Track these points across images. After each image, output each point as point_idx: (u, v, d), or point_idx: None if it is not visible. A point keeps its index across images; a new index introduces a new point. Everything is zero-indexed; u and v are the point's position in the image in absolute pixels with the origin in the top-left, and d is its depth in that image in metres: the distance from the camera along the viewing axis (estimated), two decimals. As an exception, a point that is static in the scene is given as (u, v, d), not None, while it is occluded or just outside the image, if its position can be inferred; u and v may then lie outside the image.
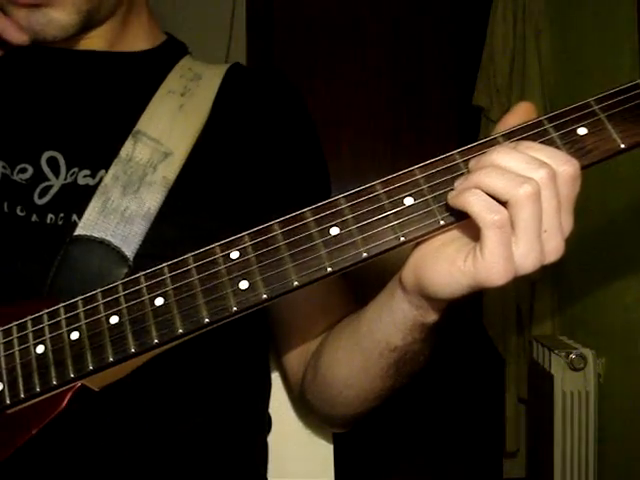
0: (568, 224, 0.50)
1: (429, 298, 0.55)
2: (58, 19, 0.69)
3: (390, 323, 0.60)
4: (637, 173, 1.45)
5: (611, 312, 1.65)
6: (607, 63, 1.65)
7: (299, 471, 0.89)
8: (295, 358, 0.78)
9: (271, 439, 0.85)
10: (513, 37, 2.03)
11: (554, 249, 0.49)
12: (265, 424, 0.85)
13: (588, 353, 1.67)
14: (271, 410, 0.86)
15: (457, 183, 0.50)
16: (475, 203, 0.47)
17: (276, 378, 0.87)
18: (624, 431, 1.59)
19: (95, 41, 0.76)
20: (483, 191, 0.47)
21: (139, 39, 0.79)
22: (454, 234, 0.52)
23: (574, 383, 1.67)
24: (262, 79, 0.82)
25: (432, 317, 0.58)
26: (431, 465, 2.29)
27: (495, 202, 0.47)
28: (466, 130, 2.22)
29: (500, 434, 2.13)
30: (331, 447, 0.89)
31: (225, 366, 0.76)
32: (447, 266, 0.51)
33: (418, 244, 0.54)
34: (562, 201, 0.48)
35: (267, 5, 2.33)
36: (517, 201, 0.46)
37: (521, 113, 0.52)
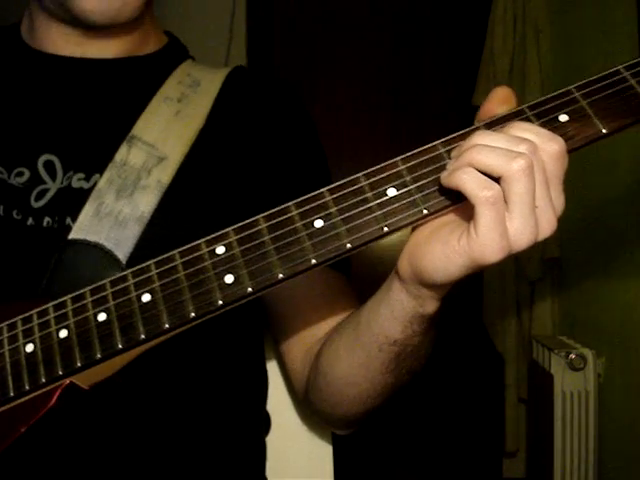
0: (559, 202, 0.50)
1: (427, 285, 0.54)
2: (132, 1, 0.71)
3: (389, 315, 0.60)
4: (637, 173, 1.45)
5: (611, 312, 1.65)
6: (607, 63, 1.64)
7: (299, 471, 0.88)
8: (299, 362, 0.78)
9: (271, 439, 0.85)
10: (513, 37, 2.03)
11: (547, 223, 0.49)
12: (262, 423, 0.84)
13: (588, 353, 1.67)
14: (271, 410, 0.86)
15: (448, 165, 0.50)
16: (467, 180, 0.47)
17: (276, 378, 0.88)
18: (624, 431, 1.59)
19: (103, 48, 0.76)
20: (475, 169, 0.48)
21: (145, 42, 0.80)
22: (446, 218, 0.52)
23: (574, 383, 1.67)
24: (262, 85, 0.81)
25: (431, 307, 0.58)
26: (431, 465, 2.29)
27: (487, 178, 0.47)
28: (466, 130, 2.22)
29: (500, 434, 2.13)
30: (330, 447, 0.89)
31: (218, 363, 0.76)
32: (441, 248, 0.51)
33: (412, 234, 0.55)
34: (550, 178, 0.48)
35: (267, 5, 2.33)
36: (511, 175, 0.46)
37: (500, 99, 0.53)
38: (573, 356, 1.66)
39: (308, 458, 0.89)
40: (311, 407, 0.78)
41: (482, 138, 0.49)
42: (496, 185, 0.47)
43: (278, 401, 0.87)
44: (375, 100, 2.37)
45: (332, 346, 0.69)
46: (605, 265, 1.66)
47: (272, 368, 0.87)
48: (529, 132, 0.49)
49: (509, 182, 0.47)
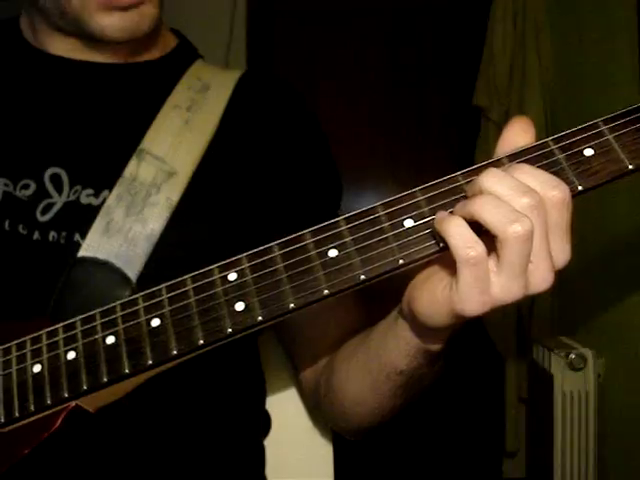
0: (561, 253, 0.47)
1: (427, 327, 0.54)
2: (150, 13, 0.71)
3: (395, 349, 0.60)
4: (638, 173, 1.44)
5: (611, 312, 1.65)
6: (607, 63, 1.65)
7: (299, 471, 0.89)
8: (308, 371, 0.78)
9: (271, 439, 0.85)
10: (513, 37, 2.03)
11: (540, 279, 0.47)
12: (261, 423, 0.84)
13: (588, 353, 1.67)
14: (271, 410, 0.86)
15: (457, 207, 0.48)
16: (453, 235, 0.46)
17: (276, 379, 0.87)
18: (624, 431, 1.59)
19: (110, 54, 0.75)
20: (476, 221, 0.46)
21: (153, 46, 0.78)
22: (438, 265, 0.51)
23: (574, 383, 1.67)
24: (274, 94, 0.80)
25: (435, 346, 0.58)
26: (431, 465, 2.29)
27: (474, 236, 0.46)
28: (466, 130, 2.22)
29: (500, 434, 2.13)
30: (331, 447, 0.89)
31: (217, 373, 0.76)
32: (427, 296, 0.51)
33: (412, 276, 0.54)
34: (552, 227, 0.46)
35: (267, 5, 2.33)
36: (505, 239, 0.45)
37: (519, 129, 0.51)
38: (573, 356, 1.66)
39: (308, 458, 0.89)
40: (325, 417, 0.79)
41: (489, 180, 0.46)
42: (480, 245, 0.46)
43: (278, 401, 0.87)
44: (374, 100, 2.37)
45: (342, 368, 0.70)
46: (605, 265, 1.66)
47: (272, 369, 0.87)
48: (533, 178, 0.47)
49: (503, 244, 0.45)
